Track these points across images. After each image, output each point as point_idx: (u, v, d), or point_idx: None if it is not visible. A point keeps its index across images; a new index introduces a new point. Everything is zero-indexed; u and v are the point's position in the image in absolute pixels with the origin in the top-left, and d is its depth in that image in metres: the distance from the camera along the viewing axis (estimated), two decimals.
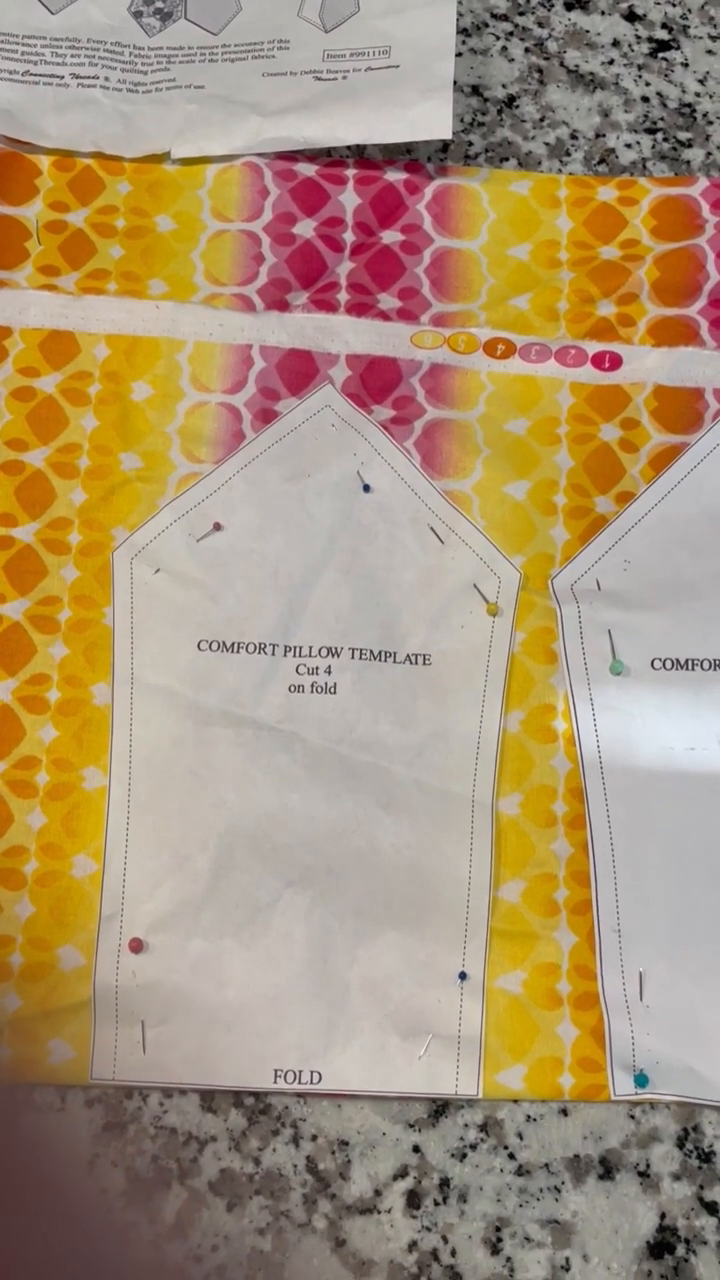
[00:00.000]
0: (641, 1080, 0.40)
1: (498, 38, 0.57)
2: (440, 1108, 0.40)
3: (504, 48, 0.56)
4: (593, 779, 0.43)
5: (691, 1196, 0.39)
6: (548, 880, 0.42)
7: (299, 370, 0.49)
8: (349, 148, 0.53)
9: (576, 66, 0.56)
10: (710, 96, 0.56)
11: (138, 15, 0.55)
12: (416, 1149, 0.40)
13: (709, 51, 0.57)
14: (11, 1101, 0.39)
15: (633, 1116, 0.40)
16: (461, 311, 0.50)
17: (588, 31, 0.57)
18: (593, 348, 0.50)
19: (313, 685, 0.44)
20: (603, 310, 0.50)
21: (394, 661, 0.45)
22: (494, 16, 0.57)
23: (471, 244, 0.52)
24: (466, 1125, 0.40)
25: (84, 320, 0.49)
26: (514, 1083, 0.40)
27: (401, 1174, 0.39)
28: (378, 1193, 0.39)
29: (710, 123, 0.55)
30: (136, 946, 0.41)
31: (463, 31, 0.56)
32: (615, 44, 0.57)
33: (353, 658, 0.45)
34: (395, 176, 0.53)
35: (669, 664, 0.45)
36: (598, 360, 0.49)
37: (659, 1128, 0.40)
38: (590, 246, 0.52)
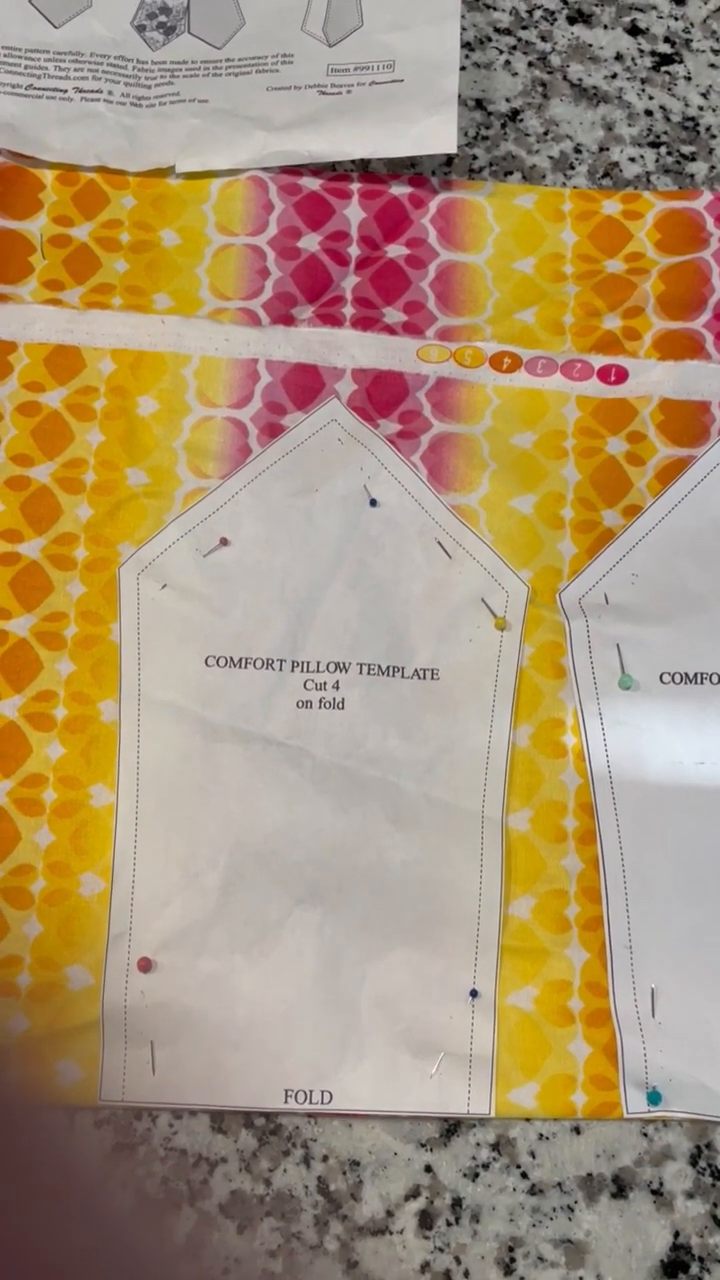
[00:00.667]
0: (654, 1097, 0.40)
1: (501, 52, 0.57)
2: (452, 1127, 0.40)
3: (507, 62, 0.57)
4: (602, 794, 0.43)
5: (705, 1214, 0.39)
6: (558, 896, 0.42)
7: (305, 385, 0.49)
8: (353, 162, 0.53)
9: (580, 80, 0.56)
10: (714, 110, 0.56)
11: (141, 29, 0.55)
12: (428, 1169, 0.39)
13: (712, 65, 0.57)
14: (19, 1124, 0.39)
15: (645, 1134, 0.40)
16: (467, 325, 0.50)
17: (591, 45, 0.57)
18: (598, 361, 0.50)
19: (321, 701, 0.44)
20: (608, 324, 0.50)
21: (402, 676, 0.45)
22: (497, 30, 0.57)
23: (476, 258, 0.52)
24: (478, 1144, 0.40)
25: (89, 335, 0.49)
26: (526, 1101, 0.40)
27: (414, 1194, 0.39)
28: (390, 1213, 0.39)
29: (714, 136, 0.55)
30: (145, 966, 0.41)
31: (466, 45, 0.56)
32: (618, 58, 0.57)
33: (361, 673, 0.45)
34: (400, 190, 0.53)
35: (677, 678, 0.45)
36: (604, 374, 0.49)
37: (672, 1145, 0.40)
38: (595, 260, 0.52)
